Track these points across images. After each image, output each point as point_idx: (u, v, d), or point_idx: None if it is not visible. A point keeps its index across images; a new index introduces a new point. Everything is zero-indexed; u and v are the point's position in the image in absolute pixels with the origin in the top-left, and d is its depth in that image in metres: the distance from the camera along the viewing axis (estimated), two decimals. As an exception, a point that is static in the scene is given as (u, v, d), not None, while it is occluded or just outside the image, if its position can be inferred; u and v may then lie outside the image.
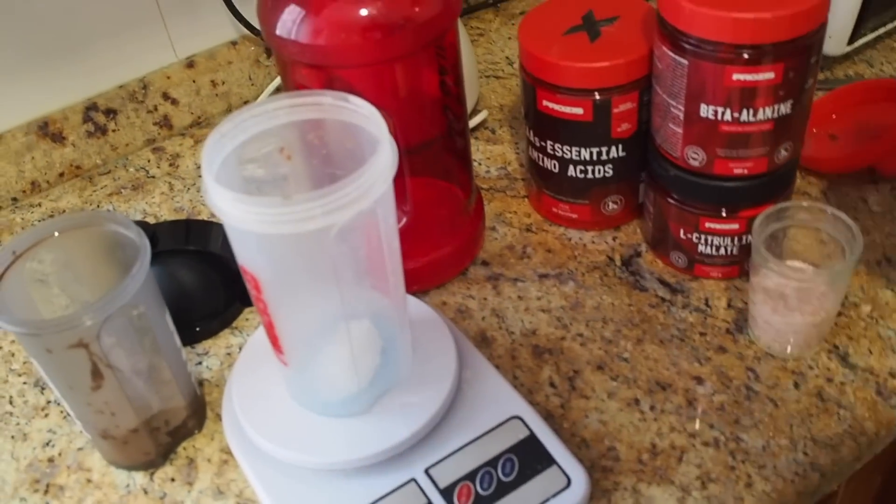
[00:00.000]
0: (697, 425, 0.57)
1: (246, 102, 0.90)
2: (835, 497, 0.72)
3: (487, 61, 0.93)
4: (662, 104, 0.61)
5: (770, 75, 0.55)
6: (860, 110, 0.79)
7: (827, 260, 0.61)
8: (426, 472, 0.53)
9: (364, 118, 0.49)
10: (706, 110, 0.58)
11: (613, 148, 0.66)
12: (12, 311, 0.51)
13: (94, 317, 0.49)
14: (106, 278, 0.57)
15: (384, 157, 0.46)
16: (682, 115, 0.59)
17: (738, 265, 0.65)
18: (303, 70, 0.58)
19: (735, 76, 0.55)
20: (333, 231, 0.44)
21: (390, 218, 0.49)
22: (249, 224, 0.44)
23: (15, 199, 0.81)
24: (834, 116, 0.79)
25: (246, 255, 0.47)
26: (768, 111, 0.57)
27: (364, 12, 0.55)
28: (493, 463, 0.53)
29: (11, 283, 0.52)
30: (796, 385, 0.59)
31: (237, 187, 0.50)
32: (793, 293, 0.58)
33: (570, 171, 0.68)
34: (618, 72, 0.62)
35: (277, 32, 0.56)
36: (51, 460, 0.60)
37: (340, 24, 0.55)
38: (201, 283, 0.66)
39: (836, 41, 0.82)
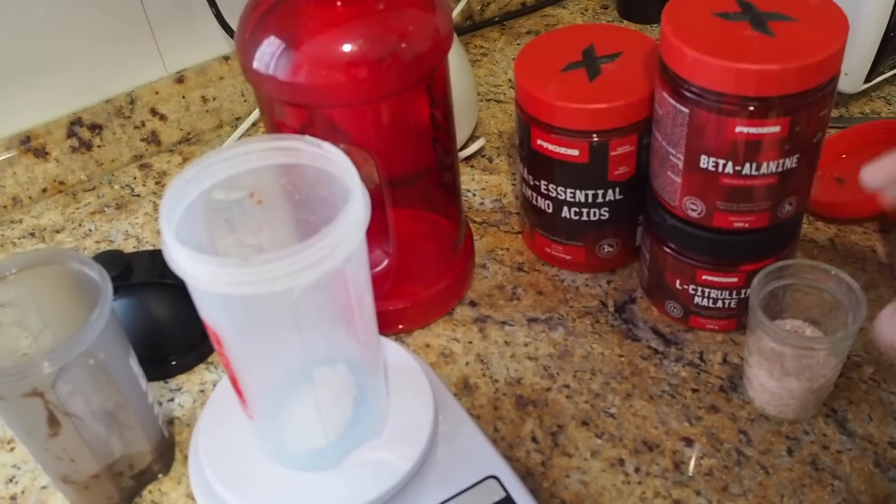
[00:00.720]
0: (683, 491, 0.55)
1: (238, 119, 0.87)
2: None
3: (489, 83, 0.90)
4: (661, 150, 0.58)
5: (776, 129, 0.52)
6: (872, 151, 0.75)
7: (830, 319, 0.58)
8: (395, 534, 0.51)
9: (337, 167, 0.46)
10: (706, 161, 0.55)
11: (610, 191, 0.63)
12: (-34, 354, 0.49)
13: (49, 366, 0.47)
14: (71, 315, 0.54)
15: (354, 212, 0.43)
16: (681, 165, 0.56)
17: (736, 318, 0.62)
18: (282, 107, 0.55)
19: (738, 129, 0.52)
20: (296, 293, 0.42)
21: (361, 274, 0.46)
22: (208, 284, 0.41)
23: (-5, 215, 0.79)
24: (844, 157, 0.75)
25: (207, 312, 0.45)
26: (773, 165, 0.54)
27: (348, 48, 0.52)
28: (465, 527, 0.51)
29: (-32, 322, 0.50)
30: (790, 451, 0.56)
31: (202, 234, 0.48)
32: (790, 358, 0.55)
33: (565, 212, 0.65)
34: (616, 114, 0.59)
35: (255, 66, 0.53)
36: (13, 498, 0.58)
37: (322, 61, 0.52)
38: (177, 316, 0.64)
39: (852, 79, 0.79)
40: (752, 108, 0.52)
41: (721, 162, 0.54)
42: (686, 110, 0.54)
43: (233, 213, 0.50)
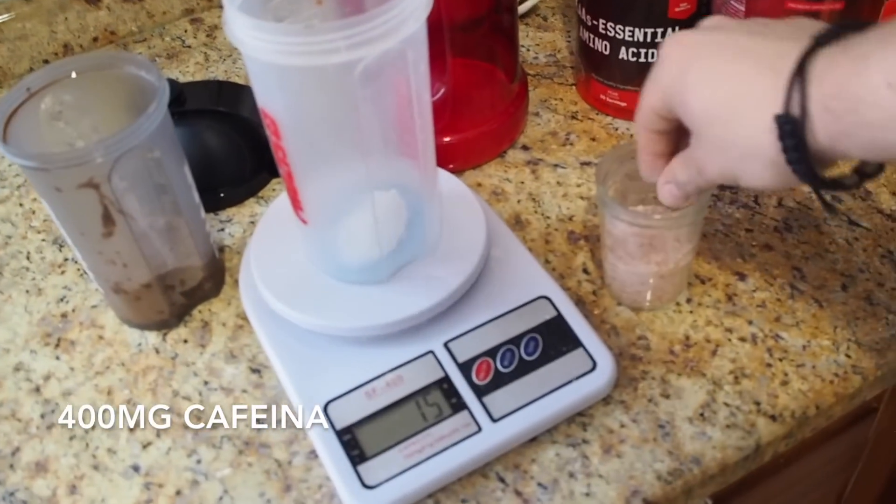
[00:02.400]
0: (735, 321, 0.54)
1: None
2: (874, 415, 0.69)
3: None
4: (726, -22, 0.56)
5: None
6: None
7: None
8: (445, 345, 0.51)
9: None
10: (773, -17, 0.53)
11: (669, 30, 0.61)
12: (22, 148, 0.49)
13: (105, 154, 0.47)
14: (126, 122, 0.54)
15: (418, -7, 0.42)
16: (746, -10, 0.55)
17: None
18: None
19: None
20: (358, 68, 0.41)
21: (422, 65, 0.46)
22: (268, 55, 0.41)
23: (46, 62, 0.79)
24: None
25: (265, 94, 0.44)
26: (841, -13, 0.52)
27: None
28: (516, 341, 0.51)
29: (24, 121, 0.50)
30: (844, 287, 0.55)
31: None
32: (633, 239, 0.51)
33: (622, 53, 0.63)
34: (680, -58, 0.58)
35: None
36: (64, 315, 0.59)
37: None
38: (229, 148, 0.64)
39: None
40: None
41: (789, -16, 0.53)
42: (755, -74, 0.52)
43: (290, 14, 0.49)
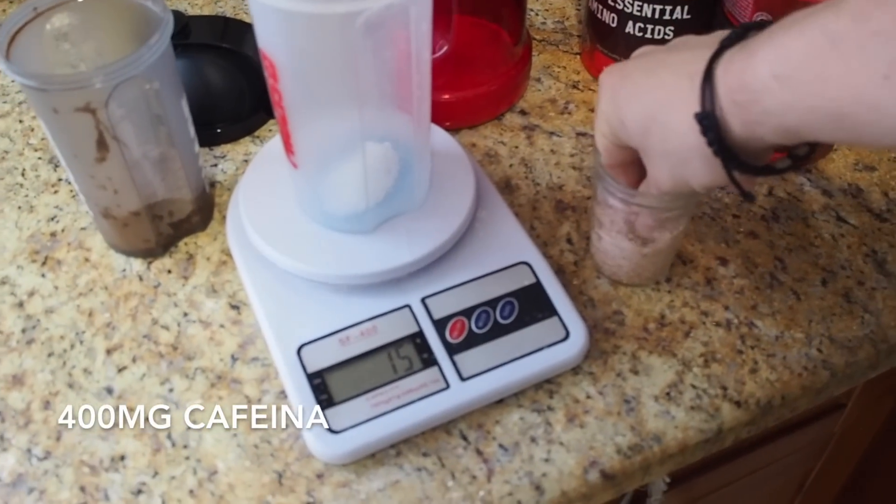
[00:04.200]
0: (712, 305, 0.55)
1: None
2: (842, 410, 0.70)
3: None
4: (740, -38, 0.56)
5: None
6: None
7: None
8: (422, 300, 0.52)
9: None
10: (786, -29, 0.53)
11: (678, 8, 0.61)
12: (25, 66, 0.49)
13: (104, 80, 0.47)
14: (128, 51, 0.54)
15: (426, -51, 0.42)
16: (758, -25, 0.54)
17: (788, 152, 0.61)
18: None
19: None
20: (360, 20, 0.41)
21: (424, 24, 0.46)
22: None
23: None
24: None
25: (266, 37, 0.44)
26: (854, -18, 0.52)
27: None
28: (492, 304, 0.52)
29: (28, 41, 0.50)
30: (824, 282, 0.56)
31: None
32: (621, 214, 0.52)
33: (629, 27, 0.63)
34: (698, -80, 0.57)
35: None
36: (53, 234, 0.59)
37: None
38: (229, 84, 0.64)
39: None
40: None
41: (802, -27, 0.52)
42: (775, -87, 0.52)
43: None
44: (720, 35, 0.40)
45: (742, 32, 0.39)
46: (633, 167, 0.48)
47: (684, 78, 0.40)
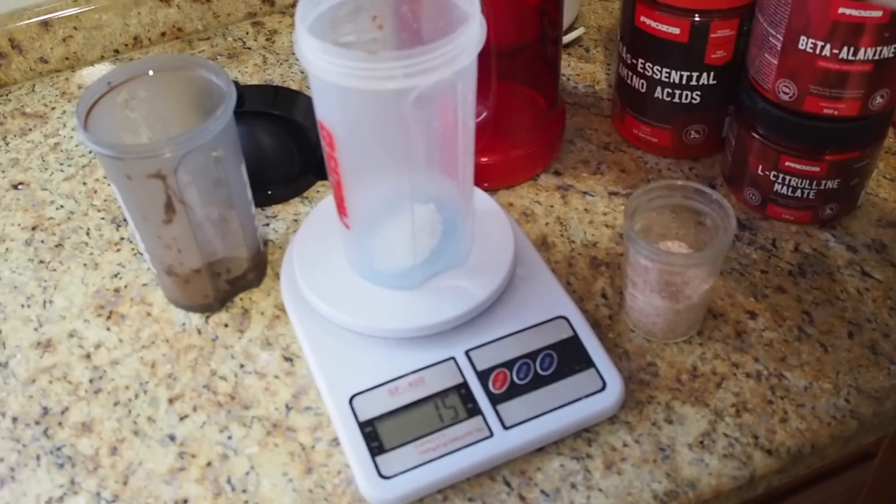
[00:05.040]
0: (742, 357, 0.57)
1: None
2: (872, 459, 0.71)
3: (593, -18, 0.92)
4: (762, 33, 0.59)
5: (877, 13, 0.53)
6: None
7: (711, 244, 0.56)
8: (466, 353, 0.55)
9: (459, -6, 0.49)
10: (805, 42, 0.56)
11: (705, 74, 0.65)
12: (99, 137, 0.54)
13: (174, 150, 0.51)
14: (190, 124, 0.59)
15: (473, 31, 0.46)
16: (779, 45, 0.58)
17: (813, 211, 0.64)
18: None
19: (841, 9, 0.54)
20: (412, 95, 0.45)
21: (469, 96, 0.49)
22: (332, 76, 0.45)
23: (117, 52, 0.84)
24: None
25: (325, 109, 0.49)
26: (870, 52, 0.55)
27: None
28: (532, 356, 0.55)
29: (103, 112, 0.55)
30: (850, 335, 0.58)
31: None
32: (654, 274, 0.55)
33: (658, 92, 0.67)
34: (722, -6, 0.61)
35: None
36: (117, 290, 0.63)
37: None
38: (280, 148, 0.68)
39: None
40: (859, -11, 0.53)
41: (819, 44, 0.56)
42: (794, -11, 0.55)
43: (353, 36, 0.53)
44: None
45: None
46: None
47: None
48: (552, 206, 0.67)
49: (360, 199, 0.53)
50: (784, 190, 0.63)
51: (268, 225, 0.67)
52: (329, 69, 0.45)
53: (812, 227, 0.65)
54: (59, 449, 0.54)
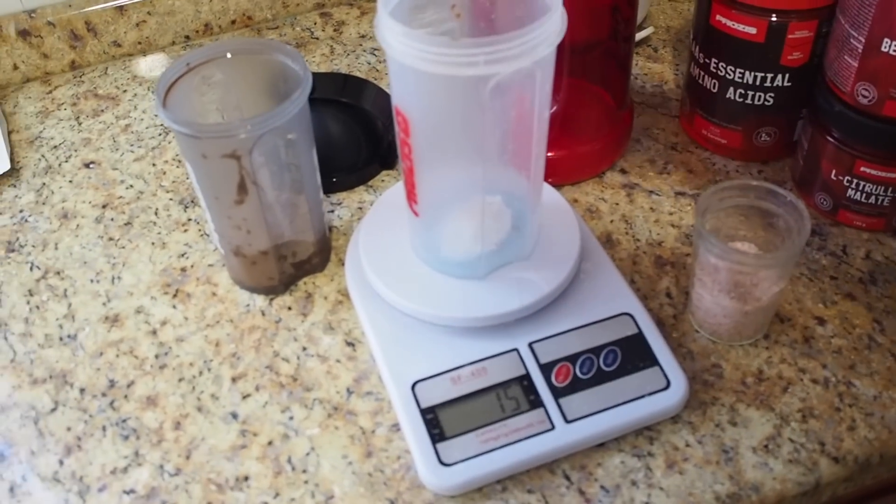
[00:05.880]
0: (810, 363, 0.56)
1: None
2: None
3: (662, -17, 0.92)
4: (842, 34, 0.58)
5: (968, 16, 0.52)
6: None
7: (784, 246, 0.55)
8: (530, 345, 0.54)
9: (539, -17, 0.49)
10: (889, 45, 0.55)
11: (780, 76, 0.64)
12: (178, 114, 0.54)
13: (251, 131, 0.52)
14: (262, 108, 0.59)
15: (554, 21, 0.46)
16: (861, 47, 0.57)
17: (886, 218, 0.63)
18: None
19: (929, 11, 0.53)
20: (491, 83, 0.45)
21: (546, 86, 0.49)
22: (412, 60, 0.45)
23: (187, 38, 0.86)
24: None
25: (402, 94, 0.49)
26: (957, 56, 0.54)
27: None
28: (596, 351, 0.54)
29: (181, 92, 0.55)
30: (922, 346, 0.57)
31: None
32: (724, 273, 0.54)
33: (730, 93, 0.66)
34: (801, -5, 0.60)
35: None
36: (183, 270, 0.64)
37: None
38: (347, 136, 0.68)
39: None
40: (949, -8, 0.52)
41: (905, 47, 0.55)
42: (879, -10, 0.54)
43: (431, 24, 0.53)
44: None
45: None
46: None
47: None
48: (617, 204, 0.67)
49: (431, 186, 0.53)
50: (857, 196, 0.62)
51: (332, 212, 0.68)
52: (409, 53, 0.45)
53: (884, 235, 0.64)
54: (124, 421, 0.55)
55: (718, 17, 0.63)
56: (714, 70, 0.66)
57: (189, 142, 0.53)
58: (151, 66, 0.84)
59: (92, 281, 0.64)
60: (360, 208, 0.68)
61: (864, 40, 0.56)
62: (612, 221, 0.66)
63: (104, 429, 0.55)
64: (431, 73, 0.45)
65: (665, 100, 0.76)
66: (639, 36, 0.81)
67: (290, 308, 0.61)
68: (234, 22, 0.86)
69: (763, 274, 0.54)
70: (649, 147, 0.72)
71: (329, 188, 0.69)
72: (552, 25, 0.46)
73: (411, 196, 0.54)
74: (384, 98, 0.68)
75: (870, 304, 0.60)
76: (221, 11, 0.85)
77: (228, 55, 0.56)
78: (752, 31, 0.62)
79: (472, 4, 0.53)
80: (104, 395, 0.56)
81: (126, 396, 0.56)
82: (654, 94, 0.77)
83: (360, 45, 0.85)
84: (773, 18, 0.61)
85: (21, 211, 0.70)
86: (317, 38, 0.85)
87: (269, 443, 0.53)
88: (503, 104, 0.48)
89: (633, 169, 0.70)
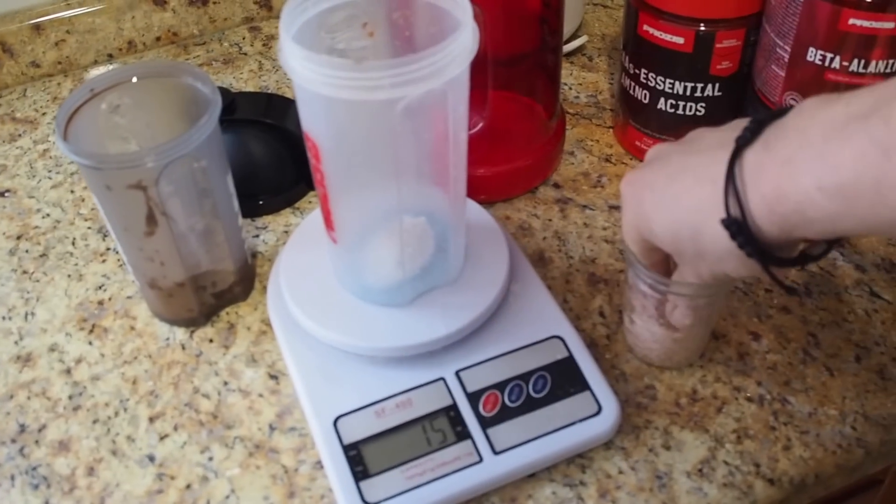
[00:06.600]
0: (744, 380, 0.55)
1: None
2: (879, 486, 0.69)
3: (598, -11, 0.90)
4: (769, 44, 0.57)
5: (890, 25, 0.51)
6: None
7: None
8: (457, 373, 0.53)
9: (452, 3, 0.47)
10: (814, 55, 0.54)
11: (710, 86, 0.63)
12: (81, 145, 0.52)
13: (155, 160, 0.49)
14: (177, 130, 0.57)
15: (464, 39, 0.44)
16: (787, 57, 0.56)
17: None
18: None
19: (851, 21, 0.52)
20: (400, 106, 0.43)
21: (461, 106, 0.47)
22: (317, 85, 0.43)
23: (110, 56, 0.83)
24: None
25: (310, 119, 0.47)
26: (881, 65, 0.53)
27: None
28: (525, 377, 0.52)
29: (85, 120, 0.53)
30: (858, 359, 0.56)
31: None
32: (651, 300, 0.52)
33: (661, 103, 0.65)
34: (728, 4, 0.59)
35: None
36: (100, 303, 0.61)
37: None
38: (271, 157, 0.66)
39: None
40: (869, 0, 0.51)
41: (829, 56, 0.54)
42: (802, -1, 0.53)
43: (343, 44, 0.51)
44: (734, 130, 0.40)
45: (756, 127, 0.39)
46: (668, 258, 0.49)
47: (706, 183, 0.40)
48: (550, 220, 0.65)
49: (348, 212, 0.51)
50: (790, 206, 0.61)
51: (257, 236, 0.65)
52: (313, 78, 0.43)
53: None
54: (34, 469, 0.52)
55: (646, 27, 0.62)
56: (644, 81, 0.65)
57: (91, 173, 0.50)
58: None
59: (3, 318, 0.61)
60: (287, 232, 0.66)
61: (790, 49, 0.55)
62: (544, 238, 0.64)
63: (13, 478, 0.52)
64: (337, 97, 0.43)
65: (599, 110, 0.75)
66: (572, 45, 0.79)
67: (211, 340, 0.58)
68: (158, 39, 0.83)
69: (693, 302, 0.52)
70: (583, 160, 0.70)
71: (255, 211, 0.67)
72: (462, 44, 0.44)
73: (328, 223, 0.52)
74: (308, 117, 0.66)
75: (805, 318, 0.59)
76: (145, 28, 0.82)
77: (134, 79, 0.54)
78: (680, 41, 0.61)
79: (387, 23, 0.51)
80: (13, 440, 0.54)
81: (37, 442, 0.53)
82: (588, 104, 0.76)
83: (291, 59, 0.82)
84: (701, 28, 0.60)
85: (-69, 244, 0.67)
86: (245, 54, 0.83)
87: (188, 486, 0.51)
88: (415, 126, 0.46)
89: (566, 183, 0.68)
